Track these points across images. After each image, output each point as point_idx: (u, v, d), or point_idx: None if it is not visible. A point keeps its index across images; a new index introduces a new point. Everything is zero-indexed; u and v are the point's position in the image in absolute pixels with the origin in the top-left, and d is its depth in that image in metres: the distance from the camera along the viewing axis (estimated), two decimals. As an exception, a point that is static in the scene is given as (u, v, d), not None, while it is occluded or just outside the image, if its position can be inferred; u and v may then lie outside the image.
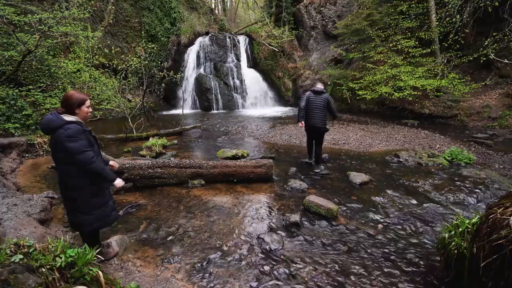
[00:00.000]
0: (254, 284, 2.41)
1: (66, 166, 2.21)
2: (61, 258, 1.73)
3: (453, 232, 2.37)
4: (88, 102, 2.29)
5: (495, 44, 9.54)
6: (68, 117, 2.18)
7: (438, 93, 10.80)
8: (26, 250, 1.69)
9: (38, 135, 6.74)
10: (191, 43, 16.76)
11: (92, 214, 2.36)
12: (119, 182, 2.41)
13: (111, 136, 7.91)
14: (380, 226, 3.40)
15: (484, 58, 9.84)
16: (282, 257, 2.78)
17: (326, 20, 16.67)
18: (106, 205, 2.47)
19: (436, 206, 3.90)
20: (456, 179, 4.81)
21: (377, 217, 3.61)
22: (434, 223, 3.45)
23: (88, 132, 2.29)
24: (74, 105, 2.20)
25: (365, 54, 13.04)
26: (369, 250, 2.90)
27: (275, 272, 2.56)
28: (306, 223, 3.44)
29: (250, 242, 3.03)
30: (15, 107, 6.99)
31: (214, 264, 2.66)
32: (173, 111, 14.65)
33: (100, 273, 1.88)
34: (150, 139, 7.35)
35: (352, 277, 2.49)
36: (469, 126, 9.85)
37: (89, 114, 2.33)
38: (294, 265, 2.66)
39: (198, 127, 9.62)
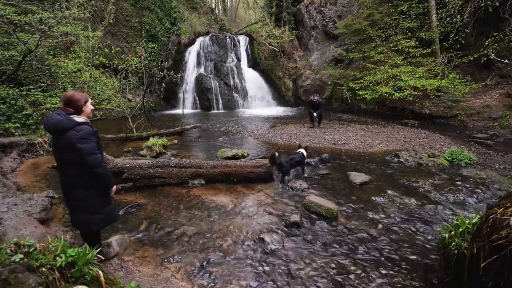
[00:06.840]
0: (254, 284, 2.41)
1: (77, 167, 2.23)
2: (61, 257, 1.73)
3: (453, 232, 2.37)
4: (90, 100, 2.38)
5: (496, 44, 9.52)
6: (78, 118, 2.22)
7: (439, 93, 10.79)
8: (26, 249, 1.69)
9: (39, 135, 6.74)
10: (191, 43, 16.75)
11: (102, 213, 2.42)
12: (114, 189, 2.55)
13: (111, 136, 7.91)
14: (380, 226, 3.40)
15: (485, 58, 9.83)
16: (282, 257, 2.78)
17: (327, 20, 16.67)
18: (111, 203, 2.54)
19: (436, 206, 3.89)
20: (456, 179, 4.81)
21: (377, 217, 3.61)
22: (434, 223, 3.44)
23: (96, 133, 2.34)
24: (80, 102, 2.25)
25: (365, 54, 13.03)
26: (369, 250, 2.90)
27: (275, 272, 2.56)
28: (306, 223, 3.44)
29: (250, 242, 3.03)
30: (15, 107, 6.98)
31: (214, 264, 2.67)
32: (173, 111, 14.66)
33: (100, 272, 1.88)
34: (150, 139, 7.34)
35: (352, 277, 2.49)
36: (469, 126, 9.84)
37: (92, 111, 2.41)
38: (294, 265, 2.66)
39: (198, 127, 9.61)
